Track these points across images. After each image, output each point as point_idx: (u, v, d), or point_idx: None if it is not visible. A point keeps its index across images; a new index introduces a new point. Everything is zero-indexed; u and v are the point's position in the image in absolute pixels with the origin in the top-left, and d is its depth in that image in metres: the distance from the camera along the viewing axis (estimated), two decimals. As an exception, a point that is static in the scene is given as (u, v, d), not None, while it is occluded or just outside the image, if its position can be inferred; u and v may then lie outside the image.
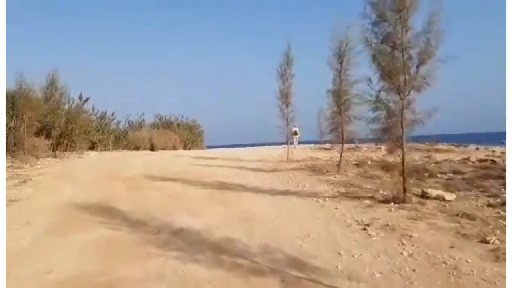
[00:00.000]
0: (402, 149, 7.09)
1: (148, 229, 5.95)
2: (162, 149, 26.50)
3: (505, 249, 4.33)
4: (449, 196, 7.67)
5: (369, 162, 13.78)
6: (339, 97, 11.56)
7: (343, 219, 6.27)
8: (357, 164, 13.41)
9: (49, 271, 4.39)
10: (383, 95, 7.16)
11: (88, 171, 13.16)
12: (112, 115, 27.72)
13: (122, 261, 4.67)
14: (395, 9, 6.92)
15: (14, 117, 18.02)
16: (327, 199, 7.87)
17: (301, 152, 18.86)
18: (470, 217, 6.16)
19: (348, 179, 10.42)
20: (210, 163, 14.90)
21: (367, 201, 7.44)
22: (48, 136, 19.60)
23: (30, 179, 10.88)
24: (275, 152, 18.29)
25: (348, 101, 11.44)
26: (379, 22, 7.05)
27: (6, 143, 16.15)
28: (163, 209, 7.30)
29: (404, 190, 7.20)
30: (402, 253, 4.54)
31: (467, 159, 13.97)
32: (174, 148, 27.88)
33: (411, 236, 5.15)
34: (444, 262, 4.23)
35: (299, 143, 24.63)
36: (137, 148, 25.93)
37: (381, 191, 8.33)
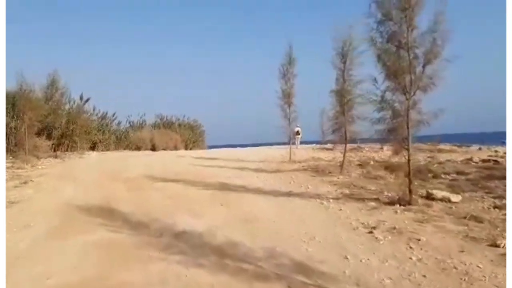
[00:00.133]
0: (408, 150, 6.98)
1: (150, 232, 5.84)
2: (163, 149, 26.39)
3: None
4: (455, 198, 7.56)
5: (372, 163, 13.68)
6: (342, 97, 11.45)
7: (348, 222, 6.15)
8: (360, 165, 13.31)
9: (49, 275, 4.29)
10: (388, 95, 7.05)
11: (89, 172, 13.06)
12: (113, 115, 27.65)
13: (123, 265, 4.56)
14: (400, 8, 6.81)
15: (15, 118, 17.92)
16: (331, 200, 7.75)
17: (303, 152, 18.74)
18: (477, 219, 6.05)
19: (352, 180, 10.31)
20: (211, 164, 14.80)
21: (372, 203, 7.33)
22: (49, 137, 19.53)
23: (31, 180, 10.78)
24: (277, 153, 18.18)
25: (352, 101, 11.34)
26: (384, 21, 6.94)
27: (7, 144, 16.07)
28: (164, 210, 7.19)
29: (410, 191, 7.09)
30: (411, 258, 4.42)
31: (470, 159, 13.88)
32: (176, 148, 27.77)
33: (419, 239, 5.03)
34: (455, 267, 4.11)
35: (301, 143, 24.53)
36: (138, 148, 25.83)
37: (385, 193, 8.23)
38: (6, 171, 11.09)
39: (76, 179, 11.31)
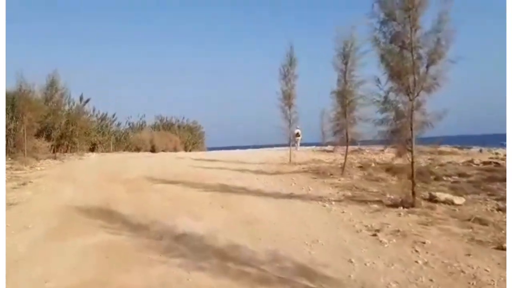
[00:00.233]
0: (412, 151, 6.89)
1: (150, 234, 5.75)
2: (163, 150, 26.30)
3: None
4: (458, 200, 7.48)
5: (373, 165, 13.58)
6: (344, 98, 11.37)
7: (352, 224, 6.06)
8: (361, 167, 13.21)
9: (48, 279, 4.19)
10: (391, 96, 6.97)
11: (88, 173, 12.96)
12: (113, 116, 27.58)
13: (123, 268, 4.46)
14: (404, 8, 6.74)
15: (14, 119, 17.83)
16: (333, 203, 7.66)
17: (303, 154, 18.65)
18: (482, 222, 5.97)
19: (353, 182, 10.23)
20: (211, 165, 14.70)
21: (375, 205, 7.24)
22: (48, 138, 19.43)
23: (30, 181, 10.69)
24: (277, 154, 18.09)
25: (353, 102, 11.25)
26: (388, 21, 6.86)
27: (6, 145, 15.96)
28: (164, 212, 7.10)
29: (413, 194, 7.00)
30: (417, 261, 4.32)
31: (471, 161, 13.80)
32: (175, 149, 27.68)
33: (424, 242, 4.94)
34: (462, 271, 4.02)
35: (300, 145, 24.43)
36: (138, 149, 25.74)
37: (388, 195, 8.14)
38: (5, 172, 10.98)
39: (75, 180, 11.21)
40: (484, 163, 13.31)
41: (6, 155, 14.78)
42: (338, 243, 5.15)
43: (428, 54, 6.66)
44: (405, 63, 6.74)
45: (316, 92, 44.79)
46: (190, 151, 29.72)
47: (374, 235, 5.40)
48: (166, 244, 5.25)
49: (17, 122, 17.47)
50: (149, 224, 6.21)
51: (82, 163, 17.02)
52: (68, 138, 21.25)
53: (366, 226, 5.90)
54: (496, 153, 16.93)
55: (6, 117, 16.53)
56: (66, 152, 20.69)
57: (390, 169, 12.40)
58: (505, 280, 3.77)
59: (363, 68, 11.24)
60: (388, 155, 17.54)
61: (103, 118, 26.54)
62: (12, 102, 17.67)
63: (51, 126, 19.83)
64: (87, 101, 23.63)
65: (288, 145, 16.67)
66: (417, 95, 6.72)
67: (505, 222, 5.83)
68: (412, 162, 6.98)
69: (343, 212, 6.89)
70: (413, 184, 7.01)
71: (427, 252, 4.60)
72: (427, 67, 6.67)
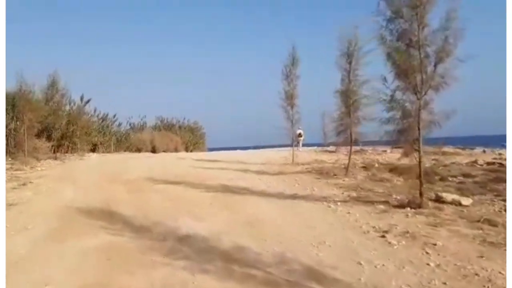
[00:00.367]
0: (419, 151, 6.76)
1: (152, 235, 5.62)
2: (164, 151, 26.20)
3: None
4: (465, 201, 7.36)
5: (376, 165, 13.46)
6: (348, 98, 11.25)
7: (358, 225, 5.93)
8: (364, 167, 13.10)
9: (48, 281, 4.06)
10: (398, 94, 6.83)
11: (89, 174, 12.86)
12: (114, 116, 27.49)
13: (126, 270, 4.33)
14: (411, 5, 6.61)
15: (15, 119, 17.73)
16: (338, 203, 7.54)
17: (305, 154, 18.53)
18: (491, 223, 5.84)
19: (358, 183, 10.10)
20: (212, 166, 14.58)
21: (381, 206, 7.11)
22: (49, 138, 19.34)
23: (30, 182, 10.58)
24: (279, 155, 17.99)
25: (357, 102, 11.14)
26: (395, 18, 6.73)
27: (6, 145, 15.86)
28: (166, 213, 6.98)
29: (421, 194, 6.87)
30: (428, 264, 4.18)
31: (475, 162, 13.67)
32: (176, 150, 27.58)
33: (434, 244, 4.80)
34: (476, 274, 3.88)
35: (302, 145, 24.30)
36: (138, 150, 25.65)
37: (394, 195, 8.01)
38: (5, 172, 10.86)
39: (76, 181, 11.10)
40: (488, 163, 13.20)
41: (6, 155, 14.68)
42: (346, 245, 5.01)
43: (436, 52, 6.53)
44: (412, 61, 6.61)
45: (316, 92, 44.67)
46: (191, 151, 29.62)
47: (383, 236, 5.27)
48: (169, 246, 5.12)
49: (18, 122, 17.38)
50: (151, 225, 6.08)
51: (82, 163, 16.91)
52: (69, 138, 21.17)
53: (373, 227, 5.76)
54: (500, 154, 16.80)
55: (6, 117, 16.44)
56: (66, 152, 20.60)
57: (394, 169, 12.27)
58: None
59: (367, 67, 11.16)
60: (391, 155, 17.43)
61: (104, 118, 26.48)
62: (12, 102, 17.59)
63: (51, 127, 19.75)
64: (88, 101, 23.58)
65: (290, 145, 16.57)
66: (425, 94, 6.59)
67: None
68: (420, 162, 6.86)
69: (349, 213, 6.76)
70: (421, 184, 6.89)
71: (438, 254, 4.46)
72: (435, 65, 6.55)
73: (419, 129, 6.66)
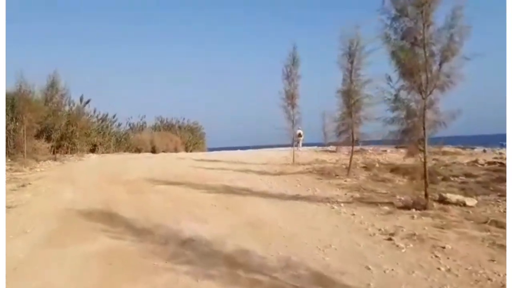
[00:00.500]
0: (424, 151, 6.66)
1: (154, 238, 5.50)
2: (164, 151, 26.08)
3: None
4: (470, 202, 7.27)
5: (377, 165, 13.37)
6: (350, 98, 11.14)
7: (364, 228, 5.82)
8: (365, 167, 13.00)
9: (47, 288, 3.95)
10: (402, 94, 6.73)
11: (89, 175, 12.74)
12: (113, 117, 27.33)
13: (127, 276, 4.22)
14: (416, 3, 6.51)
15: (14, 119, 17.59)
16: (342, 204, 7.43)
17: (305, 154, 18.44)
18: (498, 224, 5.74)
19: (360, 183, 10.01)
20: (213, 166, 14.48)
21: (386, 207, 7.00)
22: (48, 139, 19.19)
23: (29, 183, 10.46)
24: (279, 155, 17.89)
25: (359, 101, 11.03)
26: (399, 17, 6.62)
27: (6, 146, 15.71)
28: (168, 215, 6.87)
29: (426, 195, 6.77)
30: (439, 268, 4.08)
31: (476, 161, 13.59)
32: (176, 150, 27.44)
33: (443, 247, 4.69)
34: (489, 279, 3.78)
35: (302, 145, 24.20)
36: (138, 150, 25.51)
37: (397, 196, 7.91)
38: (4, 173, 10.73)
39: (76, 182, 10.99)
40: (489, 163, 13.11)
41: (5, 156, 14.54)
42: (352, 248, 4.91)
43: (441, 51, 6.42)
44: (417, 60, 6.50)
45: (315, 92, 44.56)
46: (191, 151, 29.47)
47: (389, 239, 5.16)
48: (172, 250, 5.00)
49: (17, 123, 17.24)
50: (152, 228, 5.97)
51: (82, 164, 16.80)
52: (68, 139, 21.03)
53: (379, 229, 5.66)
54: (500, 153, 16.71)
55: (6, 118, 16.27)
56: (66, 153, 20.46)
57: (395, 169, 12.20)
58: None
59: (369, 67, 11.06)
60: (391, 155, 17.35)
61: (104, 119, 26.31)
62: (12, 102, 17.45)
63: (51, 127, 19.60)
64: (88, 102, 23.44)
65: (290, 145, 16.47)
66: (430, 93, 6.48)
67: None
68: (425, 163, 6.76)
69: (354, 214, 6.66)
70: (426, 185, 6.78)
71: (448, 258, 4.36)
72: (440, 64, 6.44)
73: (424, 129, 6.55)
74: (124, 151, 25.33)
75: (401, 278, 3.88)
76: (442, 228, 5.56)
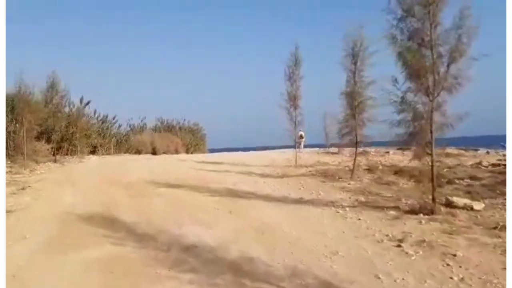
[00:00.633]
0: (432, 155, 6.52)
1: (157, 245, 5.37)
2: (164, 153, 25.92)
3: None
4: (477, 206, 7.13)
5: (380, 167, 13.24)
6: (353, 100, 11.00)
7: (371, 233, 5.68)
8: (368, 169, 12.86)
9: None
10: (409, 96, 6.59)
11: (89, 177, 12.61)
12: (114, 118, 27.21)
13: (129, 284, 4.09)
14: (423, 3, 6.38)
15: (14, 121, 17.48)
16: (347, 209, 7.30)
17: (307, 156, 18.31)
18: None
19: (364, 186, 9.87)
20: (215, 168, 14.34)
21: (392, 212, 6.86)
22: (48, 140, 19.05)
23: (29, 186, 10.33)
24: (281, 157, 17.77)
25: (363, 103, 10.89)
26: (406, 17, 6.49)
27: (6, 148, 15.59)
28: (170, 219, 6.74)
29: (433, 199, 6.63)
30: (451, 277, 3.94)
31: (480, 163, 13.43)
32: (176, 152, 27.30)
33: (454, 255, 4.56)
34: (504, 289, 3.65)
35: (303, 147, 24.06)
36: (138, 152, 25.38)
37: (403, 200, 7.76)
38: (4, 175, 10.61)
39: (76, 184, 10.87)
40: (493, 165, 12.95)
41: (5, 158, 14.42)
42: (361, 255, 4.77)
43: (449, 52, 6.29)
44: (424, 62, 6.36)
45: (316, 92, 44.38)
46: (191, 153, 29.32)
47: (398, 246, 5.02)
48: (174, 256, 4.88)
49: (17, 125, 17.12)
50: (155, 234, 5.84)
51: (82, 166, 16.68)
52: (69, 140, 20.94)
53: (387, 235, 5.52)
54: (504, 155, 16.55)
55: (5, 120, 16.16)
56: (66, 155, 20.36)
57: (398, 172, 12.06)
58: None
59: (373, 68, 10.92)
60: (394, 157, 17.21)
61: (104, 120, 26.21)
62: (11, 104, 17.34)
63: (51, 129, 19.46)
64: (88, 103, 23.35)
65: (292, 147, 16.32)
66: (438, 95, 6.35)
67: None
68: (432, 166, 6.63)
69: (360, 219, 6.52)
70: (433, 189, 6.64)
71: (460, 266, 4.22)
72: (448, 65, 6.31)
73: (431, 131, 6.41)
74: (124, 153, 25.21)
75: (412, 288, 3.75)
76: (451, 234, 5.42)
